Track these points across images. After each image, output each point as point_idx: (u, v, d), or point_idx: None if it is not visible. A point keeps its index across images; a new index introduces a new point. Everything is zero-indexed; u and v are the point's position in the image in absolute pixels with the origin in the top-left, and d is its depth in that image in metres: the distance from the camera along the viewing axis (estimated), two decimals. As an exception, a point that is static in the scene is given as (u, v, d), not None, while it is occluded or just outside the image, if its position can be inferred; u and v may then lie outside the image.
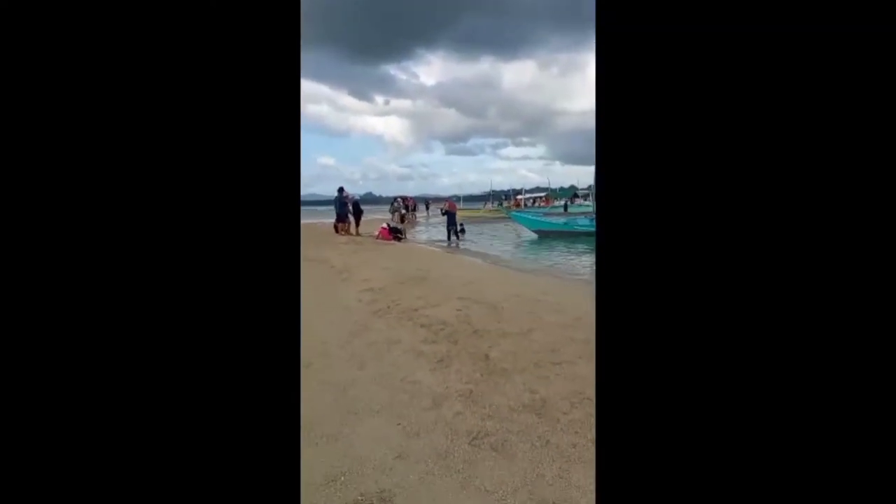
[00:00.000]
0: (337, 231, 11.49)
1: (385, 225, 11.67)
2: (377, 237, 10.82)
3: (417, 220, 19.68)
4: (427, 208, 25.95)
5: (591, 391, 2.10)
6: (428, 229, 17.02)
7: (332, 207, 12.29)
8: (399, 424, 1.99)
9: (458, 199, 29.86)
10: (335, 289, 4.94)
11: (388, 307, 3.98)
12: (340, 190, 11.76)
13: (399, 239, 10.86)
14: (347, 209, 11.68)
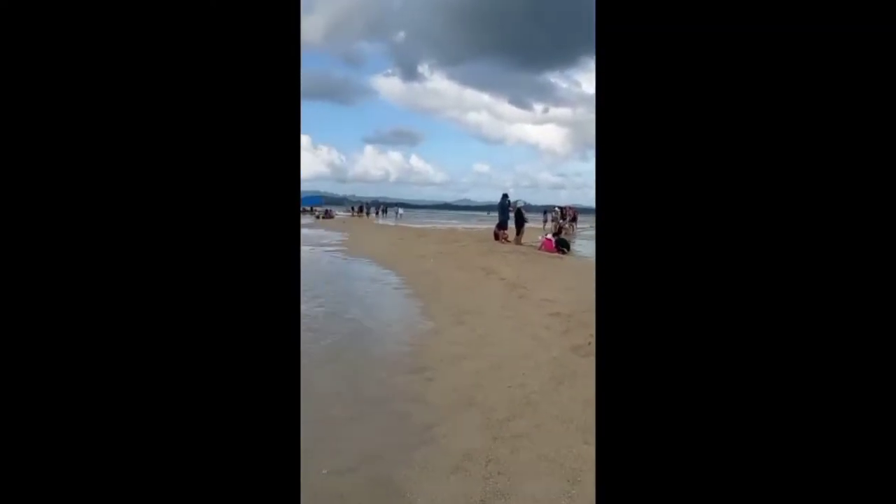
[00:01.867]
0: (497, 238, 11.07)
1: (549, 236, 10.83)
2: (540, 248, 10.06)
3: (574, 232, 18.07)
4: (574, 220, 21.12)
5: None
6: (589, 243, 15.61)
7: (485, 214, 11.98)
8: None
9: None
10: (514, 308, 4.33)
11: (590, 343, 3.18)
12: (504, 196, 11.32)
13: (564, 252, 9.92)
14: (508, 216, 11.19)
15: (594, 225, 0.82)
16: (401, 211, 39.99)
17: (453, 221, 29.73)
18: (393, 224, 24.39)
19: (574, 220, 20.34)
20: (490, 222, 20.40)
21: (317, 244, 11.63)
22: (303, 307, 4.27)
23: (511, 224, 11.39)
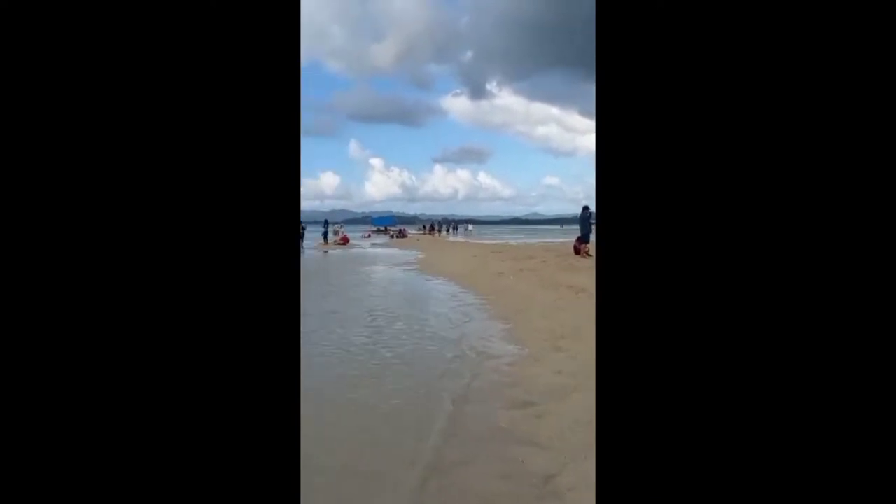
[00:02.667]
0: (577, 252, 10.53)
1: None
2: (626, 262, 9.36)
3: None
4: None
5: None
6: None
7: (559, 227, 11.54)
8: None
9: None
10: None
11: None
12: (585, 208, 10.80)
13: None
14: (591, 229, 10.64)
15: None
16: (470, 227, 40.17)
17: (525, 236, 29.10)
18: (463, 240, 24.44)
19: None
20: (564, 236, 19.60)
21: (393, 264, 11.82)
22: (386, 332, 4.20)
23: (593, 237, 10.81)
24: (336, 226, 24.74)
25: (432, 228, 35.97)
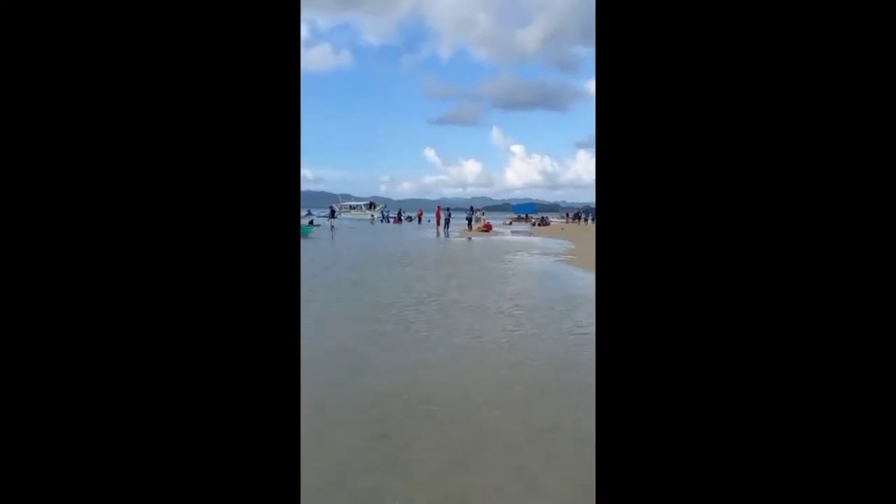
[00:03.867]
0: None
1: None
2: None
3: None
4: None
5: None
6: None
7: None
8: None
9: None
10: None
11: None
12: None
13: None
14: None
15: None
16: (619, 216, 37.03)
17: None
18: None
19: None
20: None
21: (542, 253, 11.08)
22: (569, 344, 3.52)
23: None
24: (478, 213, 24.81)
25: (577, 216, 34.03)
